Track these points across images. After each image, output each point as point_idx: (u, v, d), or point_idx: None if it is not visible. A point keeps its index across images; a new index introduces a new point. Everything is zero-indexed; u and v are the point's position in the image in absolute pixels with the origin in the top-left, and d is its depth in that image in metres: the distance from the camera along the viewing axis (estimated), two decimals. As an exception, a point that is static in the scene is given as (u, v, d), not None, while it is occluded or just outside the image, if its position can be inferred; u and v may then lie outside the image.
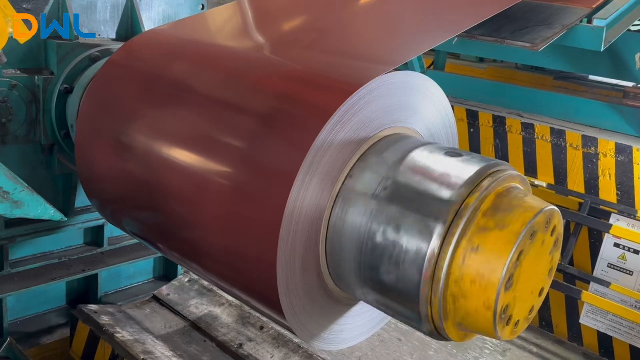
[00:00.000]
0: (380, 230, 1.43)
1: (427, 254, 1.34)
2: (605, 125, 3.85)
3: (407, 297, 1.40)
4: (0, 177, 1.77)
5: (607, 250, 3.51)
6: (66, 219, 2.21)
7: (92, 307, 2.60)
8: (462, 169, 1.43)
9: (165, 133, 1.81)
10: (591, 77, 5.12)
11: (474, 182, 1.38)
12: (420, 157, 1.51)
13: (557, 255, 1.50)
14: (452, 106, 1.87)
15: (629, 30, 3.41)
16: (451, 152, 1.52)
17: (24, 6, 1.93)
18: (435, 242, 1.34)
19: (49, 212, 1.93)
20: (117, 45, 2.31)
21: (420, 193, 1.42)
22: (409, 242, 1.38)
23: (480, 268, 1.30)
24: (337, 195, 1.52)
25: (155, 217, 1.87)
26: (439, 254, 1.33)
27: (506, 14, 2.77)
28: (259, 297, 1.65)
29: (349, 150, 1.52)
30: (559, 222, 1.44)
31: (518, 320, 1.41)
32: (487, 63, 5.79)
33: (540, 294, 1.48)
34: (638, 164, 3.40)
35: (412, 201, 1.42)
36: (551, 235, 1.43)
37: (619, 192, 3.51)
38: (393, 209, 1.43)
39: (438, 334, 1.43)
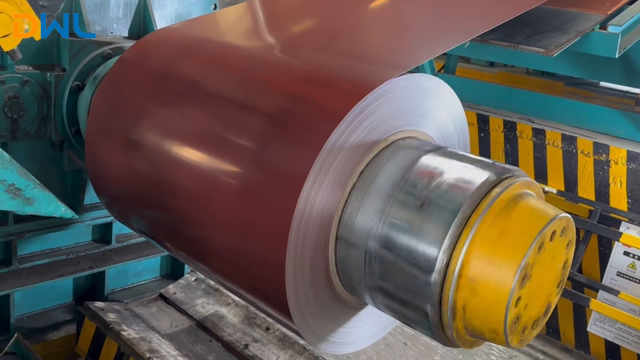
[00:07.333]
0: (390, 235, 1.42)
1: (437, 260, 1.33)
2: (618, 133, 3.83)
3: (417, 303, 1.39)
4: (13, 173, 1.76)
5: (617, 258, 3.49)
6: (77, 216, 2.21)
7: (99, 304, 2.61)
8: (474, 173, 1.42)
9: (175, 132, 1.81)
10: (602, 83, 5.08)
11: (483, 191, 1.37)
12: (431, 161, 1.50)
13: (569, 260, 1.49)
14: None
15: (643, 37, 3.39)
16: (463, 157, 1.51)
17: (40, 3, 1.93)
18: (445, 247, 1.32)
19: (60, 210, 1.91)
20: (129, 44, 2.31)
21: (430, 201, 1.41)
22: (419, 247, 1.37)
23: (491, 275, 1.29)
24: (347, 198, 1.51)
25: (163, 215, 1.87)
26: (449, 260, 1.32)
27: (520, 19, 2.76)
28: (266, 298, 1.64)
29: (360, 153, 1.51)
30: (571, 228, 1.43)
31: (528, 328, 1.39)
32: (498, 67, 5.76)
33: (547, 308, 1.46)
34: (650, 172, 3.39)
35: (422, 207, 1.40)
36: (563, 240, 1.41)
37: (630, 200, 3.48)
38: (403, 214, 1.42)
39: (447, 340, 1.42)
